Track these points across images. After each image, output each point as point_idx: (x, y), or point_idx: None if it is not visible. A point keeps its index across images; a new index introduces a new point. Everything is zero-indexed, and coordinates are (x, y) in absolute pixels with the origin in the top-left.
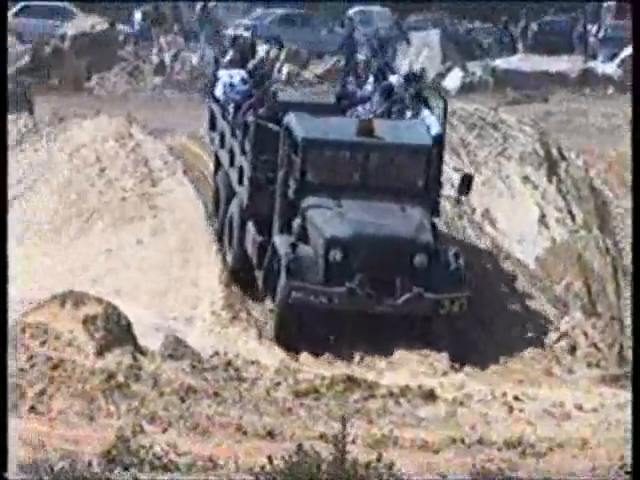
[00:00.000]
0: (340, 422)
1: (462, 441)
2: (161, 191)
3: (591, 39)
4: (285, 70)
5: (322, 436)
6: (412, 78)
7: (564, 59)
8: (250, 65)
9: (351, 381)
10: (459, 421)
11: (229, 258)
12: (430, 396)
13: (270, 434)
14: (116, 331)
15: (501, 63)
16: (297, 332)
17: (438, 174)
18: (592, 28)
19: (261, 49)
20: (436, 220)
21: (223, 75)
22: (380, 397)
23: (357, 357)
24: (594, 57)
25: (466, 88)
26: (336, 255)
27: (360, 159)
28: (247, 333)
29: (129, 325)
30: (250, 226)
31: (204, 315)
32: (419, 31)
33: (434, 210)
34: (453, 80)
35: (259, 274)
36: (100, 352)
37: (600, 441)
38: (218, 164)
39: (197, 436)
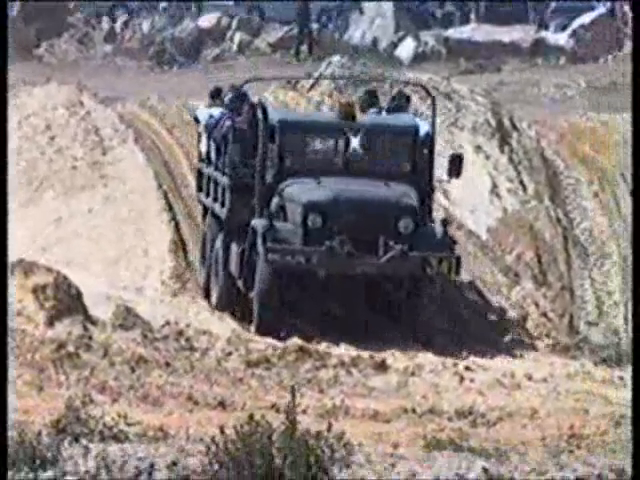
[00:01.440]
0: (290, 392)
1: (413, 411)
2: (112, 160)
3: (543, 9)
4: (237, 39)
5: (273, 406)
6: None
7: (516, 29)
8: (226, 99)
9: (302, 351)
10: (410, 391)
11: (214, 295)
12: (381, 366)
13: (221, 404)
14: (66, 300)
15: (454, 33)
16: (279, 311)
17: (429, 166)
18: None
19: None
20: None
21: (201, 112)
22: (331, 367)
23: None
24: (546, 27)
25: (419, 58)
26: (315, 220)
27: (341, 142)
28: (197, 303)
29: (79, 294)
30: (233, 245)
31: (154, 284)
32: (372, 0)
33: (422, 200)
34: (406, 50)
35: (240, 281)
36: (50, 322)
37: (550, 411)
38: (205, 213)
39: (148, 406)
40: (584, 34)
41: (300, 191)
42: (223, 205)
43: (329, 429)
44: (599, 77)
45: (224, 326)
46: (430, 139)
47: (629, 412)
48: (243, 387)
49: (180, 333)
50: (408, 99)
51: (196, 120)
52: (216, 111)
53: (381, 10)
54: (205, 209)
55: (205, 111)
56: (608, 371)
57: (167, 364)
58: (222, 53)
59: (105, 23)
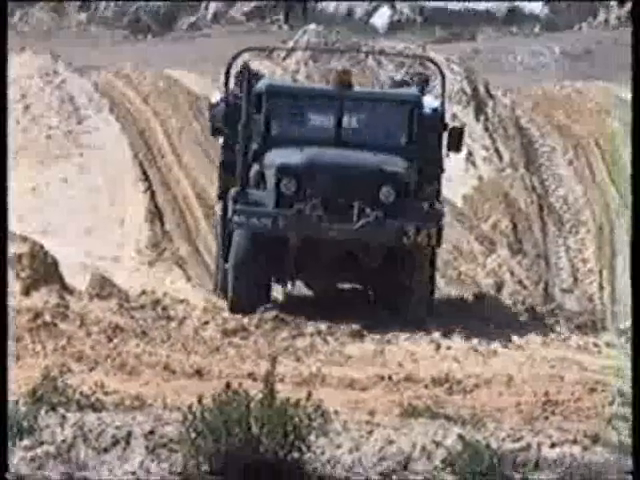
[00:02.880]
0: (270, 360)
1: (389, 378)
2: (87, 129)
3: None
4: (212, 8)
5: (250, 374)
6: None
7: None
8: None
9: (279, 320)
10: (387, 359)
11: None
12: (357, 334)
13: (198, 373)
14: (42, 270)
15: (429, 2)
16: (255, 286)
17: (437, 144)
18: None
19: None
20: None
21: (215, 96)
22: (308, 335)
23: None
24: None
25: (394, 27)
26: (289, 185)
27: (333, 110)
28: (173, 272)
29: (55, 264)
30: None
31: (130, 254)
32: None
33: (426, 177)
34: (381, 18)
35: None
36: (26, 291)
37: (525, 377)
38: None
39: (124, 375)
40: (558, 2)
41: (277, 155)
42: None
43: (308, 397)
44: (573, 45)
45: (200, 295)
46: (440, 116)
47: (604, 378)
48: (220, 356)
49: (157, 302)
50: (427, 81)
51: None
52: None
53: None
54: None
55: (218, 94)
56: (583, 338)
57: (144, 333)
58: (197, 22)
59: None
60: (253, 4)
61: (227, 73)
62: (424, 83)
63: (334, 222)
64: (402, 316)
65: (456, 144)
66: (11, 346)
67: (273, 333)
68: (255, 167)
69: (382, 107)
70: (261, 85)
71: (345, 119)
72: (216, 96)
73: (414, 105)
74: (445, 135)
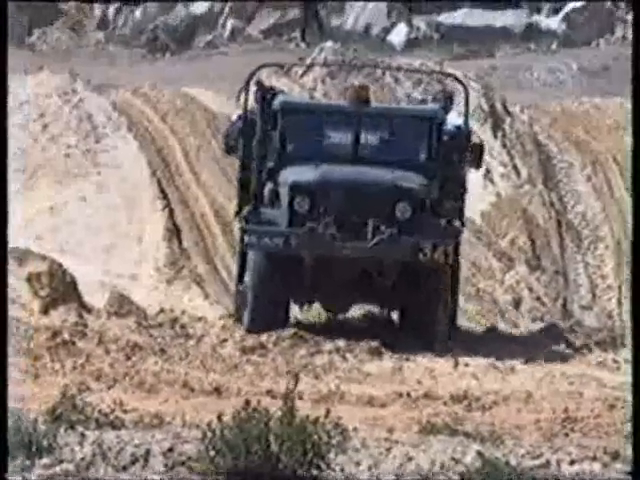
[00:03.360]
0: (291, 378)
1: (408, 395)
2: (105, 148)
3: None
4: (229, 25)
5: (269, 392)
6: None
7: (509, 13)
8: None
9: (298, 337)
10: (405, 376)
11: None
12: (376, 351)
13: (217, 390)
14: (61, 288)
15: (446, 18)
16: (273, 305)
17: (459, 162)
18: None
19: None
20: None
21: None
22: (326, 353)
23: None
24: (538, 11)
25: (411, 44)
26: (302, 203)
27: (351, 127)
28: (191, 290)
29: (74, 282)
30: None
31: (149, 272)
32: None
33: (446, 195)
34: (398, 35)
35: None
36: (45, 310)
37: (544, 394)
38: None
39: (143, 393)
40: (576, 18)
41: (291, 173)
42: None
43: (327, 415)
44: (591, 61)
45: (219, 313)
46: (465, 134)
47: (623, 395)
48: (238, 373)
49: (175, 320)
50: (451, 98)
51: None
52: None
53: None
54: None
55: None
56: (602, 354)
57: (162, 351)
58: (214, 40)
59: (97, 10)
60: (271, 22)
61: (245, 90)
62: (448, 100)
63: (347, 240)
64: (425, 339)
65: (476, 161)
66: (30, 364)
67: (291, 350)
68: (269, 185)
69: (400, 123)
70: (276, 102)
71: (362, 135)
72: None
73: (433, 121)
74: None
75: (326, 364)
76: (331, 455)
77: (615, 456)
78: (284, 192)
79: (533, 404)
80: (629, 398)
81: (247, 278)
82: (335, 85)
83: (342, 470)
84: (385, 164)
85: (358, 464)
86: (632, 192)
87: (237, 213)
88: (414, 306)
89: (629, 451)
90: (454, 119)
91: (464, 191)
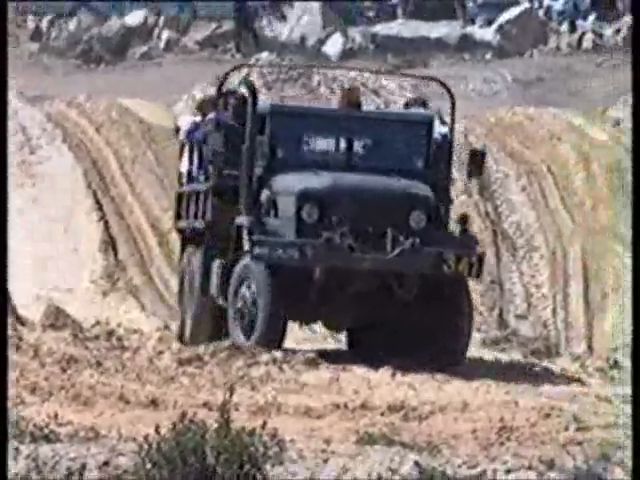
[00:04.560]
0: (227, 389)
1: (345, 406)
2: (40, 159)
3: (469, 4)
4: (164, 37)
5: (206, 404)
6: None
7: (443, 24)
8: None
9: (234, 348)
10: (342, 386)
11: (187, 329)
12: (313, 362)
13: (153, 403)
14: None
15: (381, 29)
16: (283, 319)
17: (447, 172)
18: None
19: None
20: None
21: (184, 121)
22: (263, 364)
23: None
24: (472, 22)
25: (347, 54)
26: (311, 212)
27: (343, 132)
28: (127, 302)
29: (9, 295)
30: (216, 262)
31: (85, 284)
32: None
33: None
34: (334, 46)
35: (223, 300)
36: None
37: (480, 403)
38: (184, 245)
39: (79, 406)
40: (510, 29)
41: (294, 180)
42: (203, 216)
43: (263, 426)
44: (525, 71)
45: (155, 324)
46: (449, 143)
47: (558, 404)
48: (175, 385)
49: (111, 332)
50: (425, 104)
51: (177, 131)
52: (198, 118)
53: (308, 7)
54: (184, 240)
55: (188, 119)
56: (537, 363)
57: (98, 364)
58: (149, 51)
59: (31, 22)
60: (206, 33)
61: (219, 93)
62: (423, 106)
63: (366, 251)
64: (448, 354)
65: (478, 168)
66: None
67: (228, 362)
68: (266, 193)
69: (395, 128)
70: (264, 106)
71: (356, 141)
72: (186, 120)
73: (430, 126)
74: (453, 158)
75: (263, 375)
76: (268, 467)
77: (550, 465)
78: (287, 200)
79: (469, 413)
80: (627, 410)
81: (245, 293)
82: (271, 96)
83: None
84: (380, 171)
85: (295, 475)
86: (632, 194)
87: (177, 224)
88: (434, 320)
89: (565, 460)
90: (437, 127)
91: (450, 202)
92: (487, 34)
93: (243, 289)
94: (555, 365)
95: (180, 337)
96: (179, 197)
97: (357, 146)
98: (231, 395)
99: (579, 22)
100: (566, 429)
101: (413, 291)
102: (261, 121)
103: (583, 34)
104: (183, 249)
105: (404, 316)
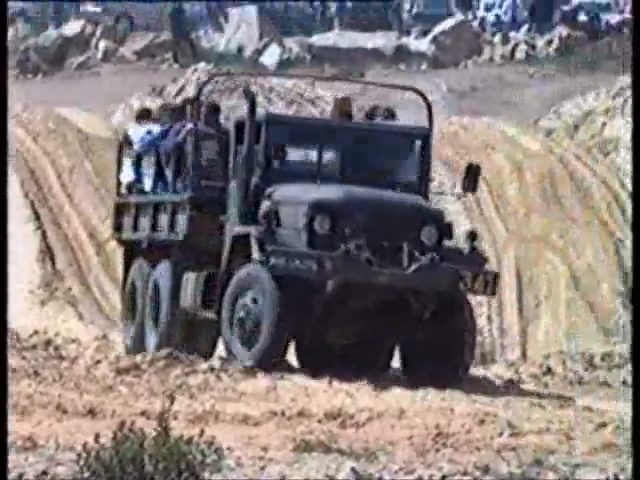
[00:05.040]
0: (168, 398)
1: (282, 414)
2: None
3: (405, 15)
4: (101, 47)
5: (144, 413)
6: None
7: (379, 35)
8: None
9: (172, 357)
10: (280, 394)
11: (152, 341)
12: (251, 370)
13: (91, 412)
14: None
15: (318, 39)
16: (286, 336)
17: (428, 173)
18: (406, 4)
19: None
20: None
21: (135, 131)
22: (201, 372)
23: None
24: (408, 33)
25: (284, 64)
26: (323, 223)
27: (339, 143)
28: (65, 311)
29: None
30: (189, 274)
31: (22, 294)
32: (236, 6)
33: None
34: (271, 56)
35: (207, 312)
36: None
37: (417, 410)
38: (129, 256)
39: (17, 415)
40: (444, 40)
41: (301, 191)
42: (173, 228)
43: (201, 434)
44: (460, 82)
45: (93, 334)
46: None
47: (493, 410)
48: (113, 394)
49: (48, 342)
50: (394, 116)
51: (127, 141)
52: (155, 127)
53: (245, 17)
54: (129, 251)
55: (140, 129)
56: (472, 370)
57: (36, 373)
58: (87, 61)
59: None
60: (143, 43)
61: (196, 103)
62: (390, 116)
63: (384, 266)
64: (451, 370)
65: (473, 183)
66: None
67: (166, 371)
68: (265, 203)
69: (391, 140)
70: (260, 114)
71: (350, 152)
72: (138, 130)
73: (426, 140)
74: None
75: (201, 384)
76: (206, 474)
77: (485, 470)
78: (295, 211)
79: (406, 420)
80: (560, 415)
81: (248, 303)
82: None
83: None
84: (373, 183)
85: None
86: (632, 196)
87: (119, 235)
88: (439, 336)
89: (499, 466)
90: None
91: None
92: (422, 45)
93: (245, 299)
94: (490, 372)
95: (133, 349)
96: (119, 207)
97: (351, 157)
98: (171, 404)
99: (512, 34)
100: (500, 435)
101: (430, 307)
102: (257, 127)
103: (516, 45)
104: (129, 260)
105: (409, 331)
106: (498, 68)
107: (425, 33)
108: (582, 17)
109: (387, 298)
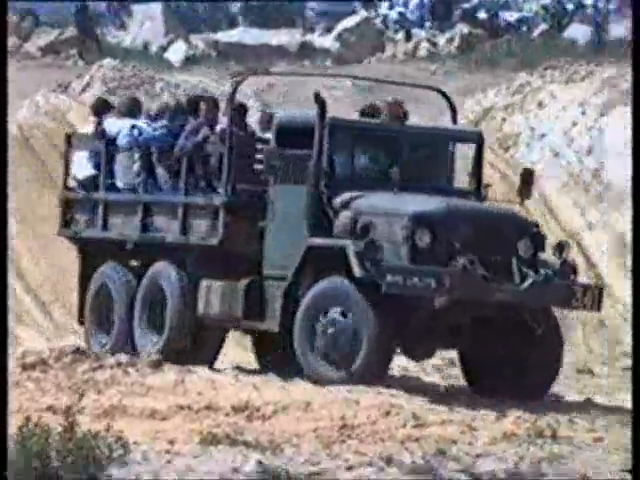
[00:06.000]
0: (77, 394)
1: (189, 407)
2: None
3: (309, 13)
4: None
5: (50, 408)
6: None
7: (284, 32)
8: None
9: (79, 353)
10: (187, 388)
11: (158, 343)
12: (158, 365)
13: None
14: None
15: (223, 36)
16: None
17: (482, 178)
18: (310, 2)
19: None
20: None
21: (116, 124)
22: (108, 367)
23: None
24: (312, 30)
25: (189, 61)
26: (424, 237)
27: (399, 147)
28: None
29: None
30: (210, 282)
31: None
32: (141, 3)
33: None
34: (176, 53)
35: (253, 322)
36: None
37: (322, 402)
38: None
39: None
40: (348, 37)
41: (393, 202)
42: (185, 232)
43: (108, 429)
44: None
45: None
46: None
47: (397, 402)
48: (20, 390)
49: None
50: (406, 116)
51: (102, 134)
52: (142, 123)
53: (150, 12)
54: (90, 251)
55: (119, 123)
56: None
57: None
58: None
59: None
60: (48, 39)
61: (231, 104)
62: (404, 118)
63: (499, 282)
64: (545, 384)
65: (528, 190)
66: None
67: (73, 366)
68: (345, 213)
69: (446, 144)
70: (326, 117)
71: (413, 157)
72: (113, 123)
73: (480, 143)
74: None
75: (108, 379)
76: (112, 469)
77: (389, 461)
78: (389, 224)
79: (312, 413)
80: (418, 411)
81: (337, 318)
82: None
83: None
84: (435, 190)
85: (139, 477)
86: (632, 195)
87: (77, 233)
88: (529, 352)
89: (403, 456)
90: None
91: None
92: (326, 42)
93: (332, 314)
94: (394, 364)
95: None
96: (69, 202)
97: (413, 161)
98: (80, 399)
99: (414, 31)
100: (404, 426)
101: (543, 323)
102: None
103: (418, 43)
104: (91, 260)
105: (523, 347)
106: (401, 65)
107: (329, 30)
108: (482, 15)
109: (498, 314)
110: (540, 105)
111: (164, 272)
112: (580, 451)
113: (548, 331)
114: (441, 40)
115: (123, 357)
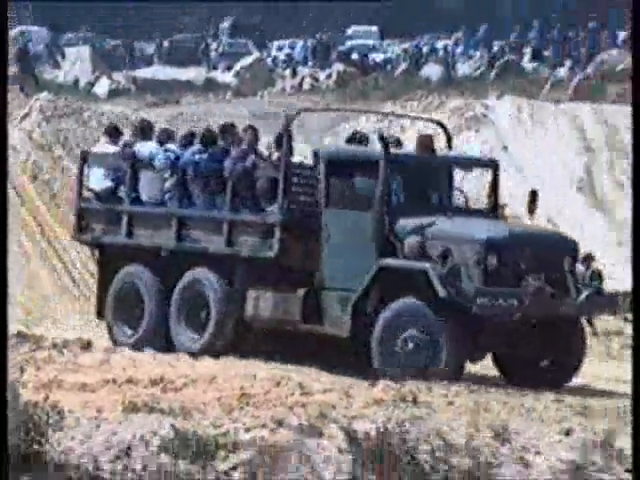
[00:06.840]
0: (18, 370)
1: (114, 381)
2: None
3: (212, 54)
4: None
5: None
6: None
7: (192, 69)
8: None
9: (21, 336)
10: (112, 365)
11: (200, 340)
12: (88, 346)
13: None
14: None
15: (141, 73)
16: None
17: (498, 200)
18: (213, 44)
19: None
20: None
21: (149, 147)
22: (46, 348)
23: None
24: (215, 68)
25: (113, 93)
26: (492, 260)
27: (435, 176)
28: None
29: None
30: (259, 292)
31: None
32: (72, 47)
33: None
34: (102, 87)
35: (314, 326)
36: None
37: (225, 377)
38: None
39: None
40: (245, 74)
41: (456, 229)
42: (231, 244)
43: (46, 399)
44: (259, 108)
45: None
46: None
47: (288, 374)
48: None
49: None
50: (400, 143)
51: (133, 156)
52: (174, 147)
53: (80, 54)
54: (112, 255)
55: (152, 146)
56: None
57: None
58: None
59: None
60: None
61: (287, 136)
62: (399, 146)
63: (563, 298)
64: (564, 379)
65: (534, 206)
66: None
67: (16, 347)
68: (415, 238)
69: (470, 170)
70: (379, 154)
71: (447, 183)
72: (144, 146)
73: (496, 169)
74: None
75: (46, 357)
76: (50, 432)
77: (280, 423)
78: (460, 248)
79: (216, 384)
80: (304, 380)
81: (416, 334)
82: (50, 128)
83: (59, 444)
84: (465, 212)
85: (73, 439)
86: (632, 193)
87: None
88: (562, 355)
89: (291, 419)
90: None
91: None
92: (227, 77)
93: (411, 332)
94: None
95: (144, 345)
96: (84, 211)
97: (444, 189)
98: (22, 374)
99: (299, 69)
100: (293, 394)
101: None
102: (374, 165)
103: (303, 78)
104: (113, 264)
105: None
106: (289, 97)
107: (229, 68)
108: (355, 56)
109: (558, 323)
110: (402, 129)
111: (204, 278)
112: (436, 413)
113: (574, 329)
114: (322, 76)
115: (58, 340)
